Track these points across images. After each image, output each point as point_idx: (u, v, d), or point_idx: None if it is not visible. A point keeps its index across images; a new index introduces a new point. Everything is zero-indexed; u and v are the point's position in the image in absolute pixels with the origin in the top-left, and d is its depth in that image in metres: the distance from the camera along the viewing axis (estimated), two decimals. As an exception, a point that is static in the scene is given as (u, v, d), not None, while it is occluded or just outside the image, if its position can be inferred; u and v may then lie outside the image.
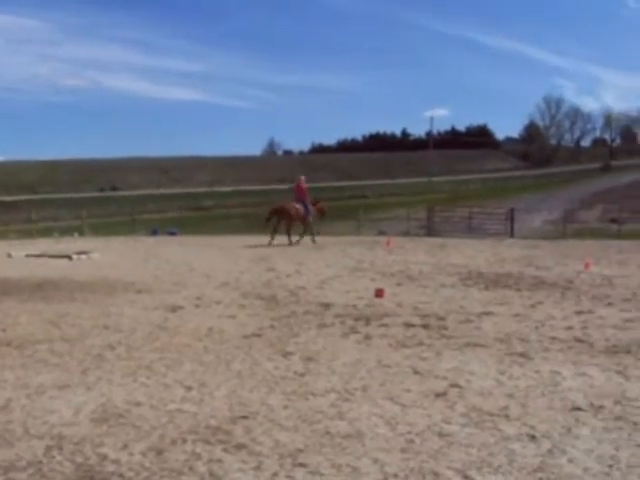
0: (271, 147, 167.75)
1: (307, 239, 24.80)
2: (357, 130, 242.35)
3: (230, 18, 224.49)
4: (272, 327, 9.32)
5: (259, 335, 8.80)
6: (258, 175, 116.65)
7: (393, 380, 6.59)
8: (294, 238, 24.73)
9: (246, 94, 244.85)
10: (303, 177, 26.21)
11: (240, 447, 4.92)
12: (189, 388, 6.42)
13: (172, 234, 33.21)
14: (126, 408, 5.83)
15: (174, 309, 10.82)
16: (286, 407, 5.79)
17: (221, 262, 18.33)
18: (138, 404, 5.94)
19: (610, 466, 4.54)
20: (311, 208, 25.31)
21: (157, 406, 5.88)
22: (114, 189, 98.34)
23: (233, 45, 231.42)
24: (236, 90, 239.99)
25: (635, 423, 5.35)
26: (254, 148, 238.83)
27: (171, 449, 4.91)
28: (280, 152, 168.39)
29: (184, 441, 5.05)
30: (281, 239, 23.91)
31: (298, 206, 24.80)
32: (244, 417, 5.55)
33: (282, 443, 4.98)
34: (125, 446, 4.97)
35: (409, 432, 5.17)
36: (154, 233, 33.86)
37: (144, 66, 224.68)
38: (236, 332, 9.00)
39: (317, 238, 24.83)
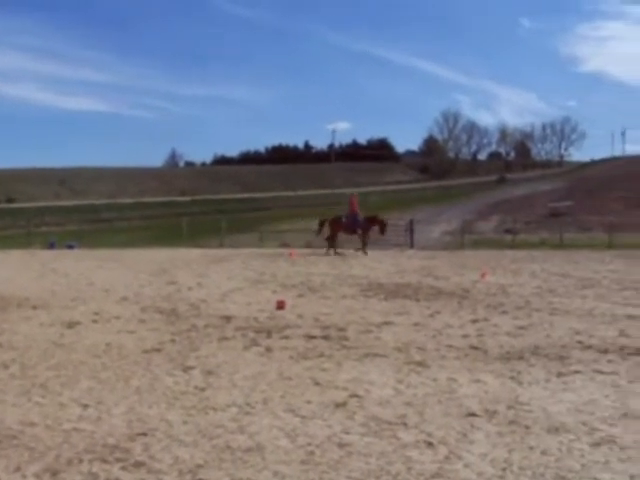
0: (173, 158, 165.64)
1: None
2: (260, 142, 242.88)
3: (139, 29, 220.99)
4: (172, 341, 9.20)
5: (159, 350, 8.66)
6: (159, 187, 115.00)
7: (294, 392, 6.62)
8: (339, 249, 25.96)
9: (151, 105, 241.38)
10: (355, 193, 26.61)
11: (138, 465, 4.84)
12: (86, 406, 6.25)
13: (70, 247, 32.38)
14: (19, 429, 5.63)
15: (71, 325, 10.52)
16: (186, 422, 5.73)
17: (121, 276, 17.97)
18: (32, 424, 5.75)
19: (503, 469, 4.69)
20: (361, 221, 26.19)
21: (52, 426, 5.70)
22: (10, 201, 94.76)
23: (141, 56, 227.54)
24: (141, 101, 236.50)
25: (527, 427, 5.54)
26: (156, 159, 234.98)
27: (67, 469, 4.78)
28: (182, 163, 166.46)
29: (80, 461, 4.92)
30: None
31: (347, 220, 26.09)
32: (143, 434, 5.45)
33: (181, 459, 4.92)
34: (18, 468, 4.81)
35: (309, 444, 5.20)
36: (51, 246, 32.93)
37: (48, 75, 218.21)
38: (135, 347, 8.83)
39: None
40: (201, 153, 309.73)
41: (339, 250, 26.00)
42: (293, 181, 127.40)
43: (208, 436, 5.39)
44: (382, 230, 26.69)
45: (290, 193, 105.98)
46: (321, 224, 27.12)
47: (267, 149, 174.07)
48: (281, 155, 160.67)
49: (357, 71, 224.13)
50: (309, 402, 6.27)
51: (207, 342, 9.12)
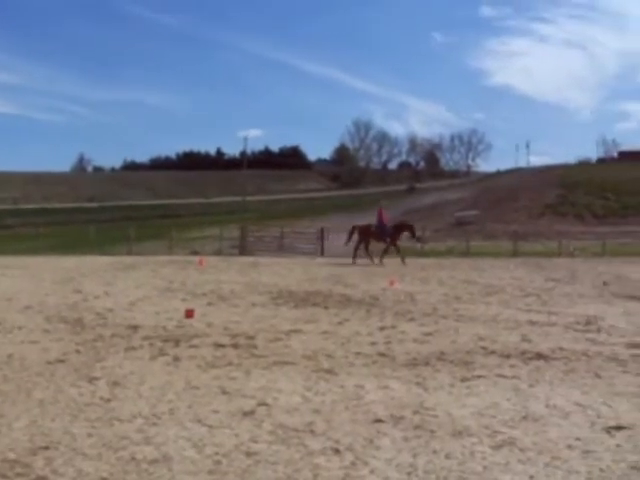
0: (81, 163, 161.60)
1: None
2: (172, 148, 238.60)
3: (52, 32, 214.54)
4: (77, 352, 8.97)
5: (63, 361, 8.43)
6: (67, 192, 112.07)
7: (201, 401, 6.55)
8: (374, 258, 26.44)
9: (60, 108, 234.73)
10: (383, 204, 29.00)
11: (40, 480, 4.70)
12: (-16, 421, 6.03)
13: (-30, 255, 31.16)
14: None
15: (-31, 336, 10.14)
16: (90, 435, 5.59)
17: (24, 284, 17.43)
18: None
19: (409, 473, 4.77)
20: (390, 230, 26.60)
21: (-53, 441, 5.48)
22: None
23: (52, 59, 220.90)
24: (50, 104, 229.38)
25: (432, 431, 5.65)
26: (63, 164, 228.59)
27: (-38, 487, 4.60)
28: (90, 169, 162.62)
29: (-23, 477, 4.74)
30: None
31: (375, 228, 26.71)
32: (45, 448, 5.29)
33: (85, 472, 4.81)
34: None
35: (216, 453, 5.16)
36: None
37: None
38: (38, 358, 8.57)
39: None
40: (111, 158, 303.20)
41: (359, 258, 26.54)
42: (204, 188, 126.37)
43: (113, 448, 5.28)
44: (413, 234, 27.23)
45: (202, 200, 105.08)
46: (351, 232, 27.60)
47: (178, 155, 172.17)
48: (192, 161, 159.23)
49: (270, 79, 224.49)
50: (216, 411, 6.22)
51: (113, 352, 8.93)
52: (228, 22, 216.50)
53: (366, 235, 27.00)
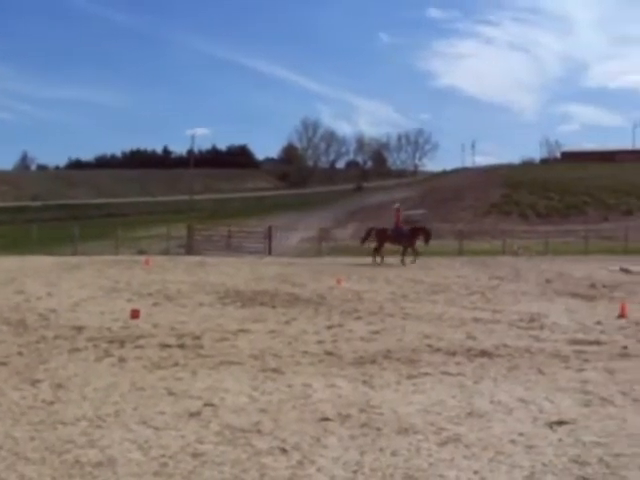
0: (24, 162, 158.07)
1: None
2: (117, 146, 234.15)
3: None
4: (20, 354, 8.78)
5: (5, 363, 8.24)
6: (9, 191, 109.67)
7: (147, 403, 6.48)
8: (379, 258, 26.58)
9: (5, 106, 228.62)
10: (399, 206, 28.75)
11: (-20, 485, 4.60)
12: None
13: None
14: None
15: None
16: (33, 438, 5.48)
17: (-37, 286, 16.99)
18: None
19: (355, 471, 4.80)
20: (406, 232, 26.89)
21: None
22: None
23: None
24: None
25: (378, 429, 5.69)
26: (6, 163, 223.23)
27: None
28: (34, 167, 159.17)
29: None
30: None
31: (392, 231, 26.97)
32: (-15, 453, 5.18)
33: (28, 477, 4.71)
34: None
35: (162, 455, 5.11)
36: None
37: None
38: (-21, 361, 8.38)
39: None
40: (55, 157, 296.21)
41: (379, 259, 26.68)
42: (151, 186, 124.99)
43: (56, 452, 5.18)
44: (427, 239, 27.30)
45: (149, 199, 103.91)
46: (367, 234, 27.86)
47: (124, 153, 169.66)
48: (139, 160, 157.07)
49: (218, 77, 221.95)
50: (162, 413, 6.16)
51: (57, 354, 8.78)
52: (176, 20, 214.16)
53: (383, 238, 27.28)
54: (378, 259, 26.68)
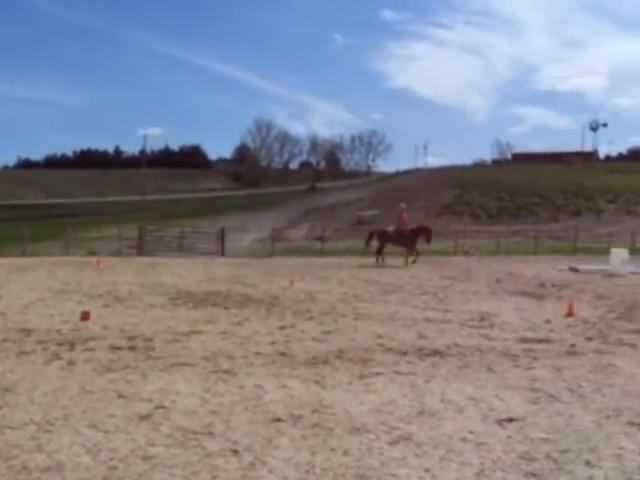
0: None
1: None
2: (68, 146, 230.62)
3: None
4: (-35, 358, 8.60)
5: (-51, 367, 8.07)
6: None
7: (96, 406, 6.39)
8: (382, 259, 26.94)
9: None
10: (403, 207, 28.63)
11: None
12: None
13: None
14: None
15: None
16: (-22, 444, 5.37)
17: None
18: None
19: (307, 472, 4.80)
20: (407, 233, 27.09)
21: None
22: None
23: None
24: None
25: (330, 429, 5.70)
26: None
27: None
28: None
29: None
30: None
31: (393, 232, 27.37)
32: None
33: (-27, 483, 4.62)
34: None
35: (112, 458, 5.05)
36: None
37: None
38: None
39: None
40: (4, 156, 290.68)
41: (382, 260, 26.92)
42: (102, 187, 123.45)
43: (3, 457, 5.07)
44: (429, 238, 27.51)
45: (100, 199, 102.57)
46: (370, 236, 28.11)
47: (75, 153, 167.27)
48: (90, 160, 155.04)
49: (172, 77, 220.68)
50: (112, 416, 6.08)
51: (4, 357, 8.59)
52: (130, 20, 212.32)
53: (385, 239, 27.57)
54: (380, 260, 27.04)
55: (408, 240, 27.30)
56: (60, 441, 5.43)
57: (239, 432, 5.62)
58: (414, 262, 26.65)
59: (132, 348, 9.10)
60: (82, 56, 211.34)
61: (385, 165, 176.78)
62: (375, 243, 28.00)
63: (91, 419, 5.99)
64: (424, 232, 27.77)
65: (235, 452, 5.17)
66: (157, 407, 6.33)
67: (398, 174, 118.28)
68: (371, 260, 26.81)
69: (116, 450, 5.22)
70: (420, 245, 27.76)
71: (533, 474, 4.76)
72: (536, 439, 5.47)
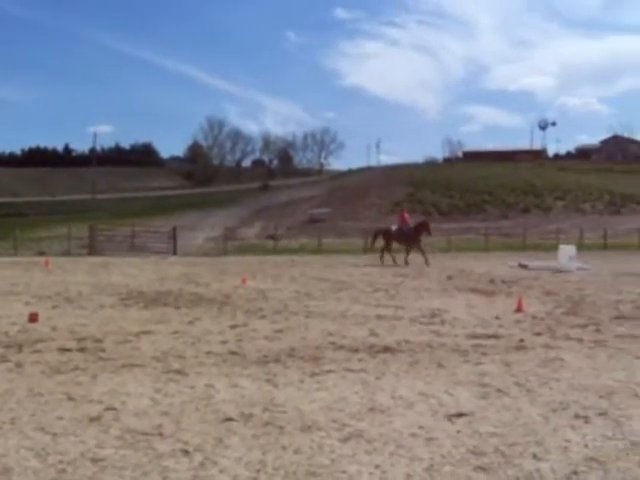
0: None
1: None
2: (16, 144, 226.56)
3: None
4: None
5: None
6: None
7: (45, 409, 6.30)
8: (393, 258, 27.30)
9: None
10: (405, 208, 29.99)
11: None
12: None
13: None
14: None
15: None
16: None
17: None
18: None
19: (258, 470, 4.79)
20: (409, 232, 27.47)
21: None
22: None
23: None
24: None
25: (281, 427, 5.71)
26: None
27: None
28: None
29: None
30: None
31: (395, 231, 27.68)
32: None
33: None
34: None
35: (60, 462, 4.98)
36: None
37: None
38: None
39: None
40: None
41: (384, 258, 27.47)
42: (51, 185, 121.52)
43: (-51, 462, 4.99)
44: (428, 232, 27.77)
45: (49, 198, 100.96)
46: (375, 236, 28.65)
47: (24, 151, 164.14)
48: (39, 158, 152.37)
49: (123, 74, 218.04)
50: (61, 418, 6.00)
51: (-52, 360, 8.43)
52: (81, 15, 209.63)
53: (388, 238, 27.87)
54: (389, 258, 27.36)
55: (411, 237, 27.58)
56: (7, 445, 5.34)
57: (190, 432, 5.60)
58: (407, 263, 26.91)
59: (82, 349, 8.99)
60: (31, 53, 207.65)
61: (338, 163, 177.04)
62: (381, 242, 28.48)
63: (39, 422, 5.91)
64: (425, 227, 28.05)
65: (186, 452, 5.15)
66: (107, 409, 6.27)
67: (350, 172, 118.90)
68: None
69: (65, 453, 5.15)
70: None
71: (482, 468, 4.83)
72: (485, 433, 5.55)
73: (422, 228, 28.03)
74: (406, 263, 26.71)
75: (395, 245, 28.34)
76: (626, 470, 4.77)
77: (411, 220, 29.39)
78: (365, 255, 31.66)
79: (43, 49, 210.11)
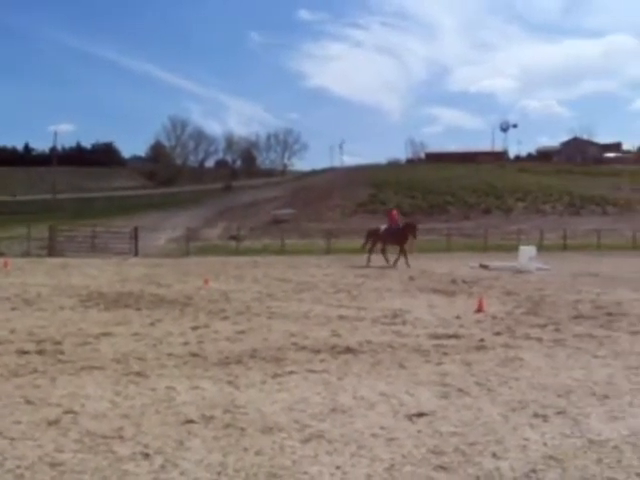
0: None
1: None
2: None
3: None
4: None
5: None
6: None
7: (2, 413, 6.19)
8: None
9: None
10: (394, 208, 30.01)
11: None
12: None
13: None
14: None
15: None
16: None
17: None
18: None
19: (218, 473, 4.78)
20: (396, 232, 27.10)
21: None
22: None
23: None
24: None
25: (242, 429, 5.70)
26: None
27: None
28: None
29: None
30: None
31: (383, 232, 27.45)
32: None
33: None
34: None
35: (18, 467, 4.91)
36: None
37: None
38: None
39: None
40: None
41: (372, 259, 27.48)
42: (10, 185, 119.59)
43: None
44: (414, 234, 27.52)
45: (8, 198, 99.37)
46: (367, 238, 28.39)
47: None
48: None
49: (84, 73, 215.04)
50: (19, 422, 5.91)
51: None
52: (41, 12, 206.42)
53: (376, 238, 27.80)
54: (380, 259, 27.38)
55: (398, 238, 27.44)
56: (-38, 450, 5.26)
57: (150, 435, 5.55)
58: (394, 263, 26.86)
59: (40, 352, 8.86)
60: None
61: (301, 164, 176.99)
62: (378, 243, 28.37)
63: (-4, 426, 5.82)
64: (411, 229, 27.88)
65: (146, 455, 5.11)
66: (66, 412, 6.19)
67: (314, 173, 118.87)
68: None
69: (22, 457, 5.08)
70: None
71: (442, 467, 4.88)
72: (445, 433, 5.60)
73: (409, 229, 27.84)
74: (407, 265, 26.22)
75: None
76: (583, 468, 4.85)
77: (401, 220, 29.38)
78: (327, 256, 31.71)
79: (3, 47, 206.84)
